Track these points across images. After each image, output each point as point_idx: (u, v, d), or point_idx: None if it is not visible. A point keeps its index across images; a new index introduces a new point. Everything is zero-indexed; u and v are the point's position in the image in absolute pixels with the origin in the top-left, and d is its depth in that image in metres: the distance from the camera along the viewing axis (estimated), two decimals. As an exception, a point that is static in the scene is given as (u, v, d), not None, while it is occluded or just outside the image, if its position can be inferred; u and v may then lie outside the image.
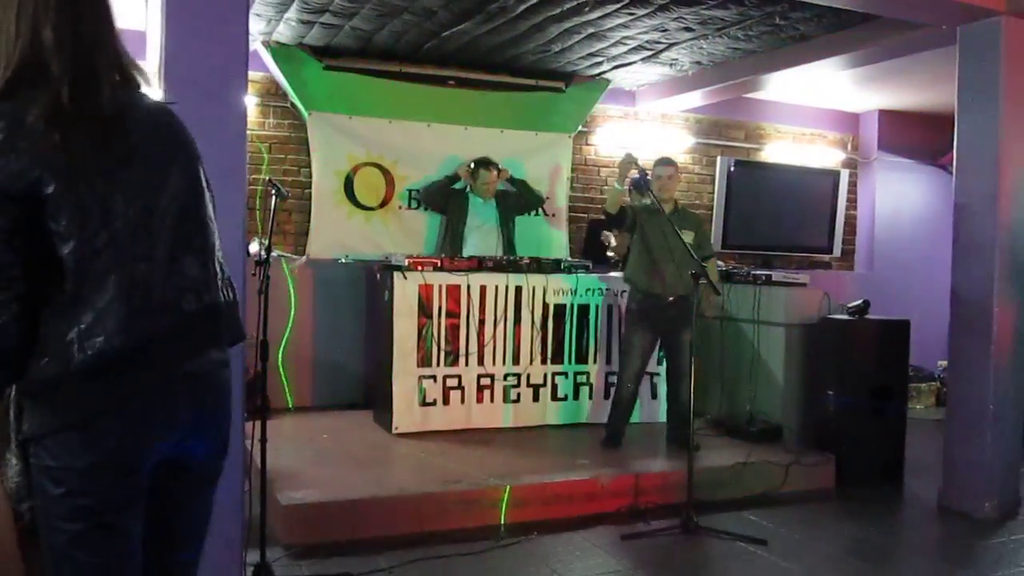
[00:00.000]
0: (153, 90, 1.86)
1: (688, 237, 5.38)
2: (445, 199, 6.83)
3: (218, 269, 1.85)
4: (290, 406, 6.47)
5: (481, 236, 6.63)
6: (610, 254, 6.24)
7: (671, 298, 5.46)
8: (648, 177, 5.40)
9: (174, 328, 1.72)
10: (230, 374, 1.91)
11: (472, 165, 6.73)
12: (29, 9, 1.67)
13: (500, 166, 6.76)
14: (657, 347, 5.77)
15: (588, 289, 6.13)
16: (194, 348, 1.78)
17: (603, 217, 5.88)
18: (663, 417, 5.96)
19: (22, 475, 1.68)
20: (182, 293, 1.74)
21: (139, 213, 1.70)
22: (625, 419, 5.65)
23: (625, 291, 6.16)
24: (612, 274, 6.36)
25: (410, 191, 7.07)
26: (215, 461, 1.89)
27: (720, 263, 7.01)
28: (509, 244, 6.75)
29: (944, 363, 7.60)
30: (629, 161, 5.35)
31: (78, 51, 1.69)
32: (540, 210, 7.48)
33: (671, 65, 6.93)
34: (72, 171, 1.62)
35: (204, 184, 1.88)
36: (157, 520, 1.81)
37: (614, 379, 6.17)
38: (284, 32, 6.16)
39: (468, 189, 6.66)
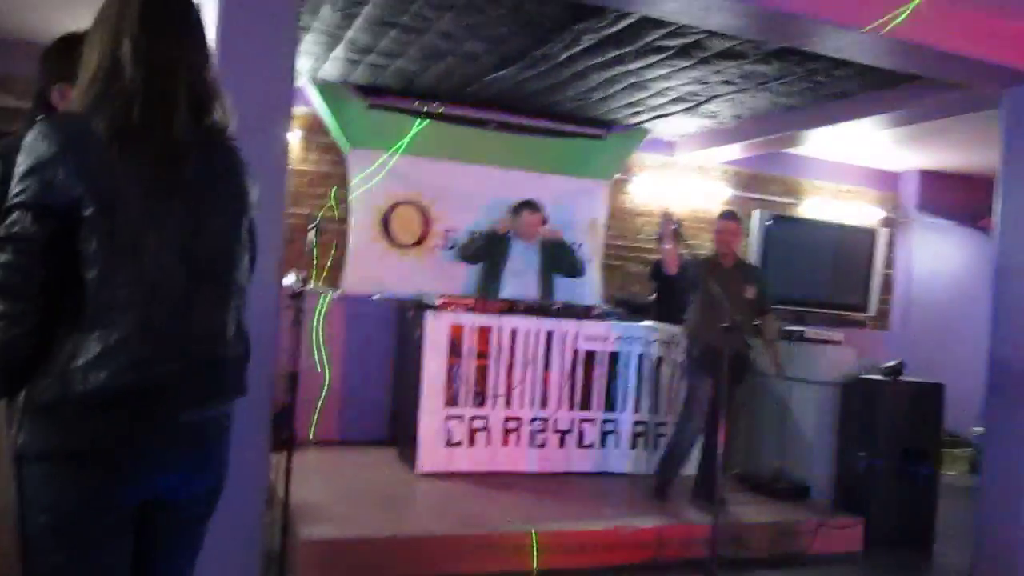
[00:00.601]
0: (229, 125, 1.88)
1: (750, 292, 5.45)
2: (487, 247, 6.59)
3: (233, 323, 1.84)
4: (311, 437, 6.46)
5: (520, 281, 6.50)
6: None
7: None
8: (679, 228, 5.34)
9: (180, 377, 1.71)
10: (230, 422, 1.90)
11: (515, 206, 6.64)
12: (112, 20, 1.71)
13: (545, 213, 6.61)
14: None
15: (619, 337, 6.10)
16: (195, 400, 1.77)
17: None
18: (690, 469, 5.87)
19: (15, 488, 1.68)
20: (194, 343, 1.74)
21: (170, 255, 1.70)
22: (679, 469, 5.55)
23: (658, 340, 6.14)
24: (645, 323, 6.33)
25: (446, 231, 7.11)
26: (205, 501, 1.88)
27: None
28: (547, 293, 6.60)
29: (979, 429, 7.45)
30: (668, 220, 5.31)
31: (156, 69, 1.70)
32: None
33: (711, 117, 6.95)
34: (114, 195, 1.63)
35: (243, 237, 1.88)
36: (142, 556, 1.81)
37: (641, 428, 6.13)
38: (330, 70, 6.27)
39: (510, 233, 6.58)
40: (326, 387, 6.54)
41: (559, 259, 6.64)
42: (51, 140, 1.62)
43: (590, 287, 7.56)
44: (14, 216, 1.58)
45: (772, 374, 5.83)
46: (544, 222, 6.55)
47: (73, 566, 1.65)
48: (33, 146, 1.62)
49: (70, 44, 1.99)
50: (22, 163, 1.61)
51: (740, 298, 5.34)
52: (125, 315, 1.64)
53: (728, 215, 5.64)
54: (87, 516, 1.64)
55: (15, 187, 1.60)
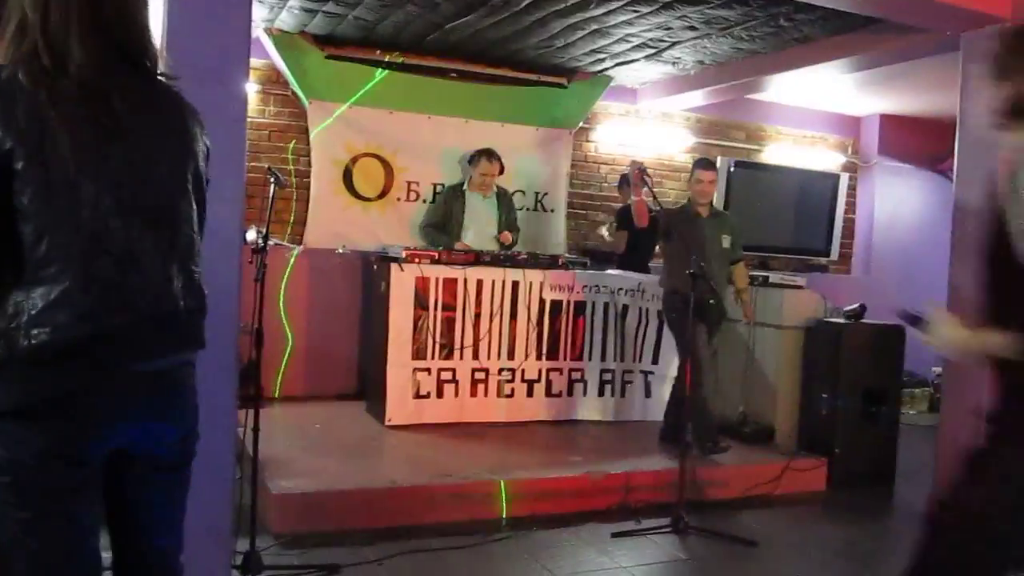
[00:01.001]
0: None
1: (726, 242, 5.51)
2: (445, 206, 6.55)
3: (181, 274, 1.80)
4: (275, 395, 6.44)
5: (479, 232, 6.49)
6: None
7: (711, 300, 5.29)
8: (647, 177, 5.34)
9: (127, 329, 1.69)
10: (191, 371, 1.89)
11: (473, 155, 6.58)
12: None
13: (503, 162, 6.61)
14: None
15: (585, 286, 6.12)
16: (145, 352, 1.74)
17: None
18: (657, 416, 5.94)
19: None
20: (139, 295, 1.70)
21: (109, 204, 1.66)
22: (709, 420, 5.42)
23: (624, 289, 6.17)
24: (609, 271, 6.35)
25: (408, 183, 7.05)
26: (175, 451, 1.87)
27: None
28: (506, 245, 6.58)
29: (938, 369, 7.60)
30: (638, 169, 5.31)
31: (69, 18, 1.67)
32: (539, 204, 7.48)
33: (674, 64, 6.91)
34: (45, 145, 1.59)
35: (191, 183, 1.84)
36: (122, 508, 1.82)
37: (608, 376, 6.18)
38: (287, 20, 6.14)
39: (465, 187, 6.57)
40: (290, 344, 6.51)
41: (510, 212, 6.63)
42: None
43: (555, 237, 7.57)
44: None
45: (744, 322, 5.91)
46: (501, 171, 6.52)
47: (41, 522, 1.64)
48: None
49: None
50: None
51: (717, 248, 5.42)
52: (66, 269, 1.61)
53: (704, 164, 5.61)
54: (49, 471, 1.63)
55: None
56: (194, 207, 1.86)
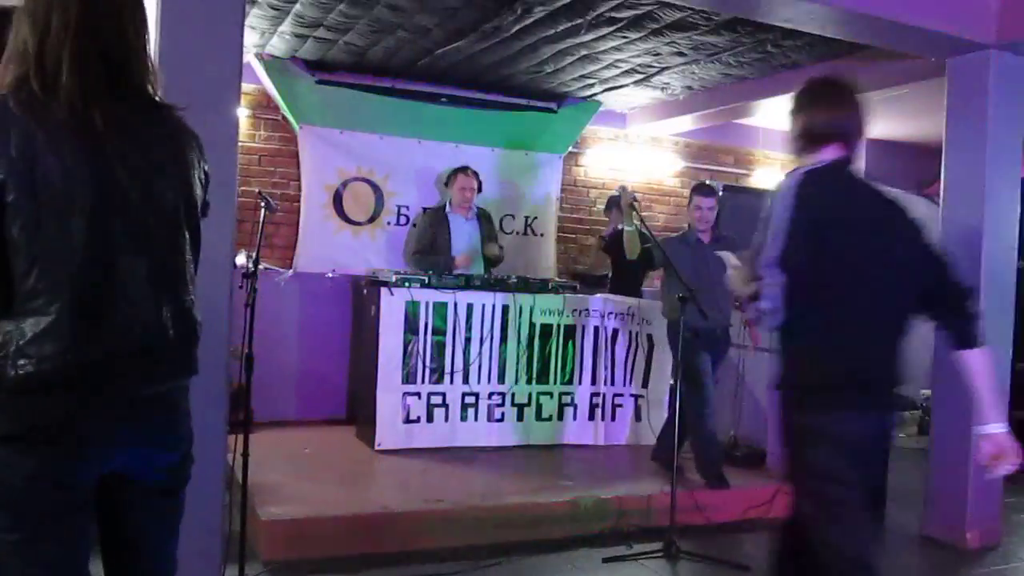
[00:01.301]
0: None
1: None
2: (429, 231, 6.47)
3: (173, 302, 1.80)
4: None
5: (466, 255, 6.46)
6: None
7: (717, 330, 5.32)
8: (636, 203, 5.38)
9: (114, 359, 1.69)
10: (185, 394, 1.89)
11: (449, 173, 6.55)
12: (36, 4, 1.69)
13: (479, 177, 6.56)
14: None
15: (575, 309, 6.12)
16: (132, 380, 1.75)
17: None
18: (648, 440, 5.93)
19: None
20: (126, 325, 1.71)
21: (99, 235, 1.67)
22: (714, 452, 5.40)
23: (614, 313, 6.17)
24: (599, 295, 6.36)
25: (399, 207, 7.06)
26: (168, 476, 1.87)
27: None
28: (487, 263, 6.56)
29: (927, 392, 7.61)
30: (629, 199, 5.35)
31: (63, 42, 1.68)
32: (529, 228, 7.50)
33: (662, 89, 6.97)
34: (35, 177, 1.60)
35: (183, 211, 1.84)
36: (115, 532, 1.82)
37: (598, 400, 6.17)
38: (278, 45, 6.16)
39: (448, 209, 6.52)
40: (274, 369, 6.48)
41: (491, 229, 6.61)
42: None
43: (545, 261, 7.58)
44: None
45: (749, 348, 5.81)
46: (479, 186, 6.50)
47: (30, 545, 1.64)
48: None
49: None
50: None
51: (721, 274, 5.18)
52: (53, 300, 1.62)
53: (703, 190, 5.48)
54: (38, 495, 1.64)
55: None
56: (187, 235, 1.85)
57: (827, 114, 2.67)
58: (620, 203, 5.50)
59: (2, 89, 1.66)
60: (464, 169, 6.47)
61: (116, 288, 1.69)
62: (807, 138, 2.68)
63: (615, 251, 6.44)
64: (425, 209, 6.83)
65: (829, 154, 2.61)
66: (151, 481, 1.83)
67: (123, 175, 1.71)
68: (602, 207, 7.71)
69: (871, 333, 2.59)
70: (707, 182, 5.80)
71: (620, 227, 5.97)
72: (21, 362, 1.60)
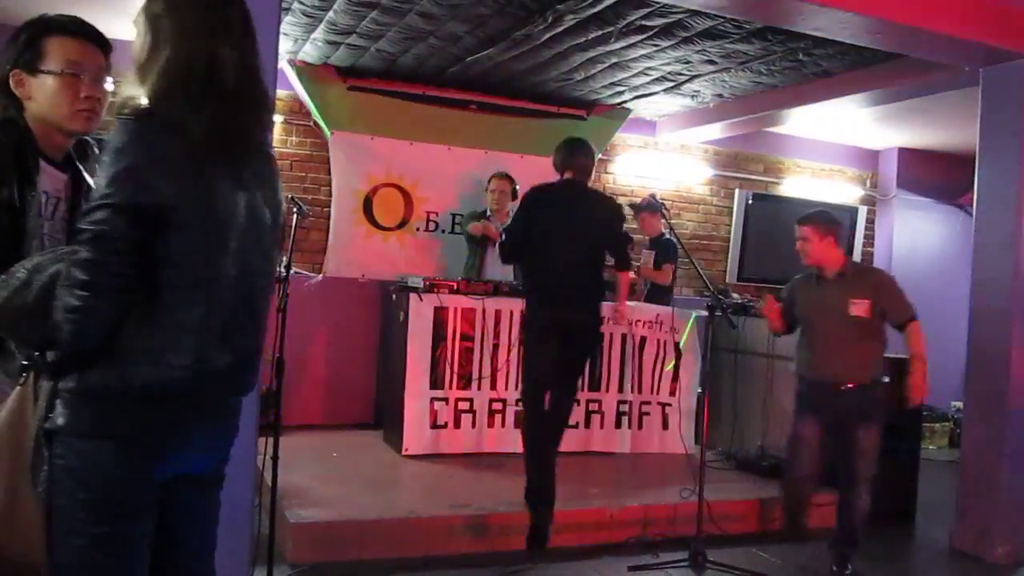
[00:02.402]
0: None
1: (857, 308, 4.36)
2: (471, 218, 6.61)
3: (260, 318, 1.93)
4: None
5: (495, 260, 6.48)
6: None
7: (842, 386, 4.37)
8: (659, 202, 5.34)
9: (226, 373, 1.80)
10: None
11: (488, 179, 6.58)
12: (199, 26, 1.75)
13: (515, 183, 6.53)
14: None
15: (603, 317, 6.09)
16: (235, 391, 1.89)
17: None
18: (676, 448, 5.92)
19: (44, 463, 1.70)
20: (242, 342, 1.83)
21: (246, 260, 1.79)
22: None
23: (642, 320, 6.16)
24: (628, 303, 6.34)
25: (428, 213, 7.11)
26: (216, 471, 1.98)
27: (735, 295, 6.99)
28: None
29: (958, 404, 7.54)
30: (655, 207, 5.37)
31: (249, 75, 1.79)
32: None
33: (692, 97, 6.95)
34: (198, 199, 1.69)
35: (274, 235, 1.95)
36: (166, 525, 1.86)
37: (625, 407, 6.15)
38: (310, 52, 6.22)
39: (489, 214, 6.60)
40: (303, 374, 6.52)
41: None
42: (145, 143, 1.65)
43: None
44: (103, 215, 1.61)
45: (910, 402, 4.50)
46: (515, 195, 6.50)
47: (110, 539, 1.70)
48: (125, 148, 1.64)
49: (19, 30, 1.97)
50: (112, 164, 1.63)
51: (841, 317, 4.37)
52: (190, 316, 1.71)
53: (803, 218, 4.67)
54: (126, 492, 1.71)
55: (105, 187, 1.62)
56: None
57: (561, 156, 4.84)
58: (650, 209, 5.47)
59: (152, 97, 1.71)
60: (502, 175, 6.49)
61: (240, 308, 1.81)
62: (557, 168, 4.86)
63: (671, 258, 6.65)
64: (461, 216, 6.93)
65: (566, 175, 4.79)
66: (203, 476, 1.92)
67: (259, 200, 1.84)
68: (630, 215, 7.69)
69: (556, 271, 4.59)
70: (816, 212, 4.80)
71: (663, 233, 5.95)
72: (153, 372, 1.68)
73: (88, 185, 2.03)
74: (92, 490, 1.68)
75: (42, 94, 1.93)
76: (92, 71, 1.97)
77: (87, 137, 2.10)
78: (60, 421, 1.67)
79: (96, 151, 2.06)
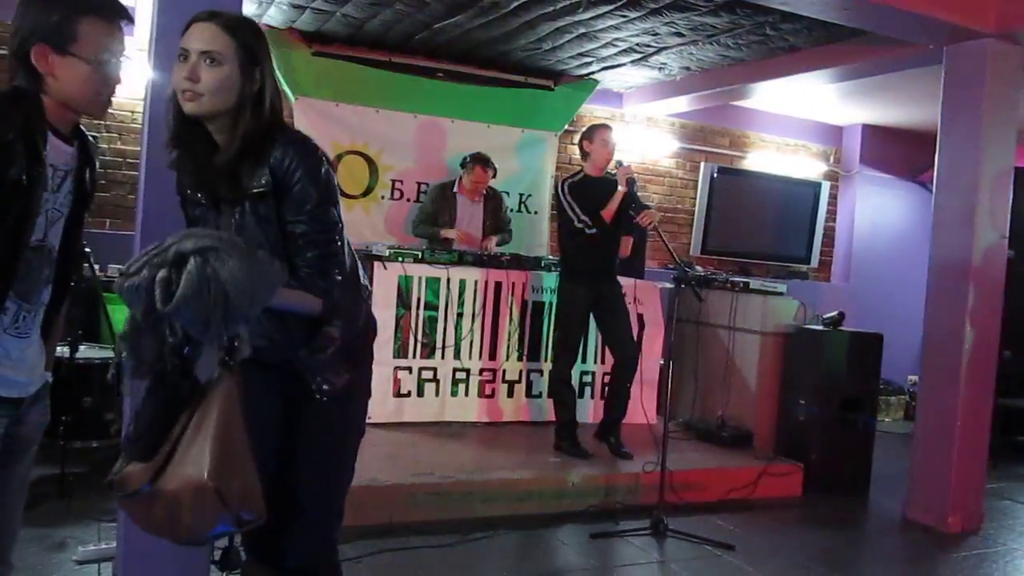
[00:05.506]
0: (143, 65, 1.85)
1: None
2: (433, 208, 6.50)
3: None
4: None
5: (465, 233, 6.47)
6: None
7: None
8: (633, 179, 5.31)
9: None
10: None
11: (469, 159, 6.46)
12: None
13: (495, 168, 6.51)
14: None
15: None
16: None
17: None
18: (637, 418, 5.98)
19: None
20: None
21: None
22: None
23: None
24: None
25: (393, 181, 7.06)
26: None
27: (699, 268, 7.08)
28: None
29: (914, 377, 7.69)
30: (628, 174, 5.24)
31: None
32: (524, 206, 7.51)
33: (660, 69, 6.95)
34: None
35: None
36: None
37: (588, 378, 6.20)
38: (275, 16, 6.13)
39: (455, 188, 6.51)
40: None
41: (497, 218, 6.59)
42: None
43: (539, 238, 7.59)
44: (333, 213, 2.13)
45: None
46: (493, 175, 6.50)
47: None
48: (332, 177, 2.13)
49: (69, 7, 1.84)
50: (333, 193, 2.12)
51: None
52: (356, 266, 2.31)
53: None
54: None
55: (330, 216, 2.12)
56: None
57: None
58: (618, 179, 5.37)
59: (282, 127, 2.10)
60: (485, 162, 6.35)
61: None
62: None
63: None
64: (427, 185, 6.86)
65: None
66: None
67: None
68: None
69: None
70: None
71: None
72: (373, 329, 2.38)
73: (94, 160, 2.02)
74: (358, 436, 2.52)
75: (69, 76, 1.83)
76: (119, 56, 1.91)
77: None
78: (349, 381, 2.20)
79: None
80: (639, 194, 5.42)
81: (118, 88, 1.95)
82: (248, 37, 2.06)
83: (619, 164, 5.28)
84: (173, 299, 1.71)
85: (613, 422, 5.39)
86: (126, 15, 1.92)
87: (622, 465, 5.15)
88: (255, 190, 2.02)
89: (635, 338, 6.21)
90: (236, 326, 1.82)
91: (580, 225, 5.18)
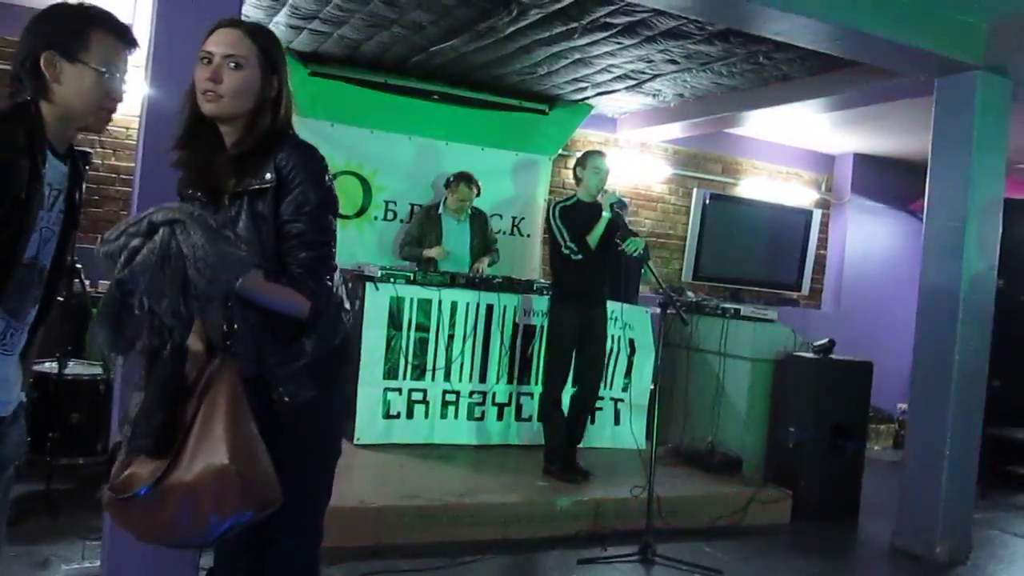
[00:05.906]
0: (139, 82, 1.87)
1: None
2: (420, 229, 6.55)
3: None
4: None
5: (452, 258, 6.49)
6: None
7: None
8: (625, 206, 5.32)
9: None
10: None
11: (453, 178, 6.56)
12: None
13: (479, 186, 6.57)
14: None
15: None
16: None
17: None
18: (626, 443, 5.98)
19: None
20: None
21: None
22: None
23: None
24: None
25: (387, 202, 7.08)
26: None
27: (690, 294, 7.11)
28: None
29: (904, 405, 7.69)
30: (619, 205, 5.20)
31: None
32: (516, 229, 7.53)
33: (654, 95, 7.00)
34: None
35: None
36: None
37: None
38: (272, 36, 6.14)
39: (441, 209, 6.55)
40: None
41: (484, 237, 6.61)
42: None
43: (531, 262, 7.60)
44: (331, 221, 2.23)
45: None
46: (478, 193, 6.52)
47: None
48: (334, 187, 2.25)
49: (61, 14, 1.89)
50: (333, 201, 2.25)
51: None
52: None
53: None
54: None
55: (328, 223, 2.20)
56: None
57: None
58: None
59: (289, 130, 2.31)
60: (468, 179, 6.43)
61: None
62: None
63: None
64: (419, 207, 6.89)
65: None
66: None
67: None
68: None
69: None
70: None
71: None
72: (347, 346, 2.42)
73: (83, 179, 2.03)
74: (338, 431, 2.68)
75: (75, 84, 1.85)
76: (123, 73, 1.93)
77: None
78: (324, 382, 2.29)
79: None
80: (628, 220, 5.42)
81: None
82: (269, 44, 2.16)
83: (615, 201, 5.22)
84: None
85: (571, 446, 5.40)
86: (135, 42, 1.96)
87: (611, 490, 5.13)
88: (257, 185, 2.07)
89: (627, 363, 6.24)
90: (200, 304, 1.83)
91: (567, 252, 5.21)
